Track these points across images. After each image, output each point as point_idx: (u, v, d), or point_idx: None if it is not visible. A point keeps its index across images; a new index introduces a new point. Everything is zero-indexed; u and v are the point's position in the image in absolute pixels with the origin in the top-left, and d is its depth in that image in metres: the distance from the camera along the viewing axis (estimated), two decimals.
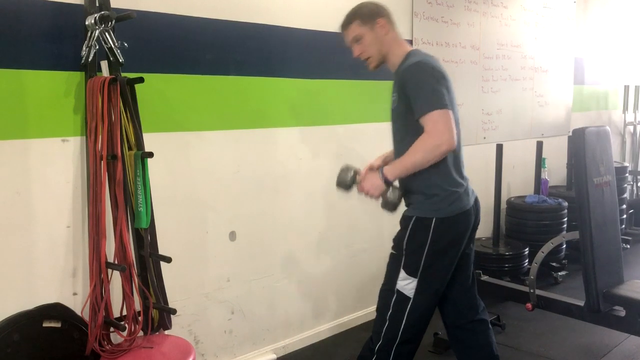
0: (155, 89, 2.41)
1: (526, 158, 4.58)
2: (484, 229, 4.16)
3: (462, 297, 2.27)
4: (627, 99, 5.89)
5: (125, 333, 2.19)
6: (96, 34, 2.11)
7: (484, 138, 4.19)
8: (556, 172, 5.10)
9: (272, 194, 2.94)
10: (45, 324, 2.08)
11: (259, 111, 2.83)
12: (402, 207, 2.22)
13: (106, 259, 2.12)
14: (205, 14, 2.56)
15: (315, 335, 3.23)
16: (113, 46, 2.15)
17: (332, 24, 3.10)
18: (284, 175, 2.98)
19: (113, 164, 2.13)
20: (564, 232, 4.16)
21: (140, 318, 2.21)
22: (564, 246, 4.26)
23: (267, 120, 2.87)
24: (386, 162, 2.29)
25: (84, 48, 2.13)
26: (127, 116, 2.17)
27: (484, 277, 3.30)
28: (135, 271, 2.22)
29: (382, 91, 3.42)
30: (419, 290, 2.08)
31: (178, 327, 2.52)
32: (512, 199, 4.46)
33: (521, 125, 4.62)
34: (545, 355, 3.08)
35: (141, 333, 2.25)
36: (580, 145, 2.69)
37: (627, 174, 5.22)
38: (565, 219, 4.29)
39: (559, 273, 4.23)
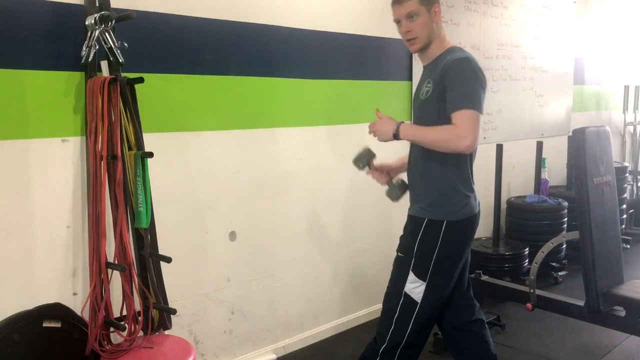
0: (155, 89, 2.41)
1: (526, 158, 4.58)
2: (484, 229, 4.16)
3: (459, 299, 2.28)
4: (627, 99, 5.88)
5: (125, 333, 2.18)
6: (96, 34, 2.11)
7: (484, 138, 4.19)
8: (556, 172, 5.10)
9: (272, 194, 2.94)
10: (45, 324, 2.08)
11: (259, 111, 2.83)
12: (405, 208, 2.22)
13: (106, 259, 2.12)
14: (205, 14, 2.56)
15: (315, 335, 3.23)
16: (113, 46, 2.15)
17: (332, 24, 3.11)
18: (284, 175, 2.98)
19: (113, 164, 2.13)
20: (564, 232, 4.16)
21: (140, 318, 2.21)
22: (564, 246, 4.26)
23: (267, 120, 2.87)
24: (402, 164, 2.32)
25: (84, 48, 2.13)
26: (127, 116, 2.17)
27: (484, 277, 3.30)
28: (135, 271, 2.22)
29: (382, 91, 3.42)
30: (427, 294, 2.08)
31: (178, 327, 2.52)
32: (512, 199, 4.46)
33: (521, 125, 4.62)
34: (545, 355, 3.08)
35: (141, 333, 2.25)
36: (580, 145, 2.68)
37: (627, 174, 5.23)
38: (565, 219, 4.29)
39: (559, 273, 4.23)
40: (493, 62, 4.24)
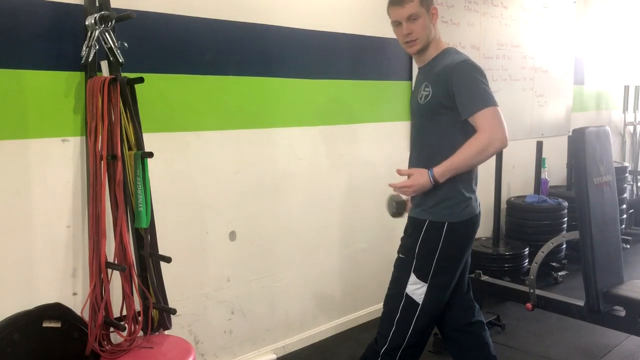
0: (155, 89, 2.41)
1: (526, 158, 4.58)
2: (484, 229, 4.16)
3: (459, 301, 2.28)
4: (627, 99, 5.88)
5: (125, 333, 2.18)
6: (96, 34, 2.11)
7: None
8: (556, 172, 5.10)
9: (272, 194, 2.94)
10: (45, 324, 2.08)
11: (258, 111, 2.83)
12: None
13: (106, 259, 2.12)
14: (205, 14, 2.56)
15: (315, 335, 3.23)
16: (113, 46, 2.15)
17: (331, 24, 3.11)
18: (284, 175, 2.98)
19: (113, 164, 2.13)
20: (564, 232, 4.16)
21: (140, 318, 2.21)
22: (564, 246, 4.26)
23: (267, 120, 2.87)
24: None
25: (84, 48, 2.13)
26: (127, 116, 2.17)
27: (484, 277, 3.30)
28: (135, 271, 2.22)
29: (382, 91, 3.42)
30: (428, 295, 2.08)
31: (178, 327, 2.52)
32: (512, 199, 4.46)
33: (521, 125, 4.62)
34: (545, 355, 3.08)
35: (141, 333, 2.25)
36: (580, 145, 2.68)
37: (627, 174, 5.22)
38: (565, 219, 4.29)
39: (559, 273, 4.23)
40: (493, 62, 4.24)
